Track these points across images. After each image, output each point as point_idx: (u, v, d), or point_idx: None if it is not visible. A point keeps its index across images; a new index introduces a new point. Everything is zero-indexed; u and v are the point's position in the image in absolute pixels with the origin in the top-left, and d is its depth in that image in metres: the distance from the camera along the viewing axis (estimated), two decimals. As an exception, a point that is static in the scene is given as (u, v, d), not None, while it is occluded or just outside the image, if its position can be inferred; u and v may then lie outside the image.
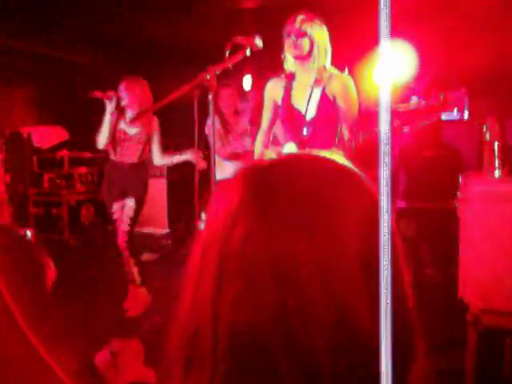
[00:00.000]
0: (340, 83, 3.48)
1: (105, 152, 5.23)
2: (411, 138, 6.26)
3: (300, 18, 3.42)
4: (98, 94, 4.89)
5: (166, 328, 0.78)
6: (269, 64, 6.28)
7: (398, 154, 6.20)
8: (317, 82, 3.49)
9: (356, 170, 0.78)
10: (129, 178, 5.09)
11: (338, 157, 0.80)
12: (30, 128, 7.80)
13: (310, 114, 3.52)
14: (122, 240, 4.99)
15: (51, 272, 1.71)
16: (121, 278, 5.17)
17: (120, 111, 5.07)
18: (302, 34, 3.40)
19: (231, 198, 0.76)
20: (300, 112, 3.54)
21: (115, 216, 5.10)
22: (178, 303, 0.77)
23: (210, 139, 5.43)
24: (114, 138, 5.08)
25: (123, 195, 5.08)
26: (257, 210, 0.72)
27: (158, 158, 5.25)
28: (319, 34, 3.44)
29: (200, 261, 0.75)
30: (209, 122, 5.30)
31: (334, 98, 3.48)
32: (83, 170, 8.49)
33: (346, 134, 3.38)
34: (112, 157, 5.15)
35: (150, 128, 5.13)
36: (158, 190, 7.36)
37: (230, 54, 3.17)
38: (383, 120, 0.60)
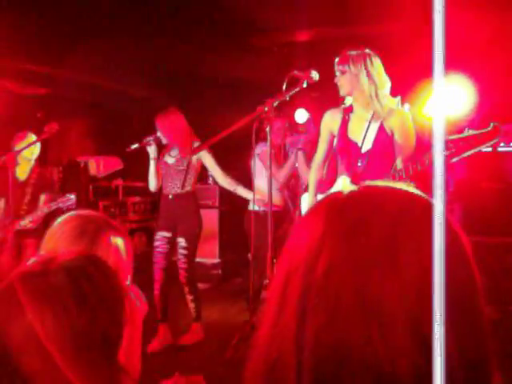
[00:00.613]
0: (399, 119, 3.46)
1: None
2: (468, 169, 6.16)
3: (341, 55, 3.44)
4: (136, 146, 4.97)
5: (245, 356, 0.79)
6: (322, 96, 6.32)
7: (453, 184, 6.10)
8: (375, 116, 3.48)
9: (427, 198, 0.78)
10: (175, 210, 5.05)
11: (415, 190, 0.80)
12: (87, 157, 8.02)
13: (366, 146, 3.50)
14: (181, 276, 5.02)
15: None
16: (171, 303, 5.20)
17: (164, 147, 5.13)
18: (342, 72, 3.43)
19: (314, 229, 0.76)
20: (356, 144, 3.53)
21: (156, 248, 5.09)
22: (258, 332, 0.78)
23: (262, 163, 5.44)
24: (161, 171, 5.14)
25: (172, 228, 5.04)
26: (340, 241, 0.73)
27: (220, 179, 5.17)
28: (371, 68, 3.41)
29: (282, 290, 0.75)
30: (257, 150, 5.32)
31: (392, 132, 3.46)
32: (136, 199, 8.65)
33: (399, 166, 3.35)
34: (163, 190, 5.18)
35: (192, 158, 5.06)
36: (210, 219, 7.41)
37: (287, 87, 3.23)
38: (437, 152, 0.60)
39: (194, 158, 5.06)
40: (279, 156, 5.71)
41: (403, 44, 5.50)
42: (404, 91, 5.36)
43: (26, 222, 5.17)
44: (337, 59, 3.45)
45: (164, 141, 5.05)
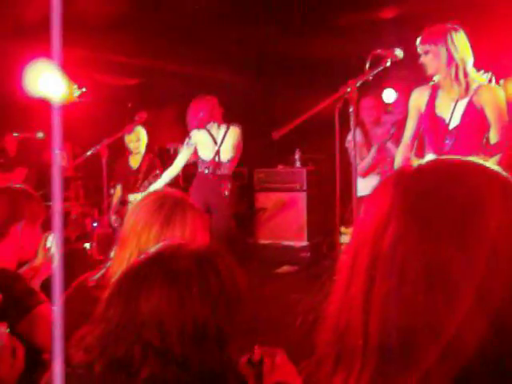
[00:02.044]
0: (489, 94, 3.35)
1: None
2: None
3: (422, 34, 3.33)
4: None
5: (316, 325, 0.81)
6: (411, 74, 6.15)
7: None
8: (462, 92, 3.38)
9: (508, 177, 0.77)
10: (212, 189, 5.22)
11: (489, 163, 0.78)
12: (176, 144, 8.21)
13: (454, 123, 3.40)
14: None
15: None
16: (260, 285, 5.27)
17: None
18: (425, 52, 3.31)
19: (382, 202, 0.78)
20: (444, 121, 3.44)
21: None
22: (328, 301, 0.80)
23: (351, 153, 5.41)
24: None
25: (206, 210, 5.14)
26: (407, 211, 0.74)
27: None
28: (453, 46, 3.30)
29: (351, 261, 0.78)
30: (349, 136, 5.25)
31: (482, 108, 3.34)
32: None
33: (492, 141, 3.23)
34: (199, 170, 5.41)
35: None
36: (298, 202, 7.42)
37: (370, 66, 3.16)
38: None
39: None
40: (374, 136, 5.59)
41: (499, 15, 5.25)
42: (500, 66, 5.12)
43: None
44: (418, 39, 3.35)
45: (204, 123, 5.22)
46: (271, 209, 7.47)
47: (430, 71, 3.39)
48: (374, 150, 5.35)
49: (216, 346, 1.18)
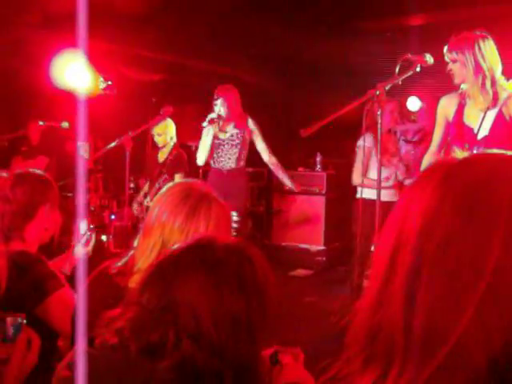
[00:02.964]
0: None
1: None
2: None
3: (449, 42, 3.28)
4: (204, 124, 5.05)
5: (348, 323, 0.79)
6: (436, 83, 6.10)
7: None
8: (492, 102, 3.34)
9: None
10: (227, 184, 5.02)
11: None
12: (197, 141, 8.23)
13: (483, 133, 3.36)
14: None
15: None
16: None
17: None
18: (453, 61, 3.27)
19: (429, 196, 0.74)
20: (472, 130, 3.40)
21: None
22: (362, 300, 0.78)
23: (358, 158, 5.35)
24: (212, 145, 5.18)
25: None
26: (460, 207, 0.70)
27: (266, 157, 5.23)
28: (480, 55, 3.26)
29: (390, 257, 0.74)
30: (360, 142, 5.19)
31: (511, 118, 3.30)
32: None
33: None
34: (212, 164, 5.24)
35: (244, 130, 5.12)
36: (316, 206, 7.40)
37: (399, 71, 3.14)
38: None
39: (247, 132, 5.12)
40: (388, 143, 5.55)
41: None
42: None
43: (149, 201, 5.48)
44: (446, 47, 3.31)
45: (225, 116, 5.09)
46: (292, 220, 7.46)
47: (457, 80, 3.36)
48: (402, 167, 5.31)
49: (247, 338, 1.20)
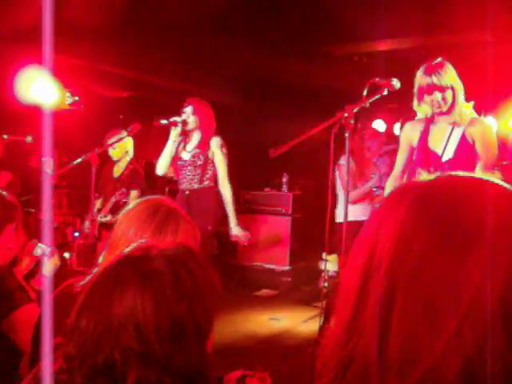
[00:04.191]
0: (480, 128, 3.41)
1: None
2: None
3: (437, 71, 3.32)
4: (166, 122, 4.80)
5: (314, 352, 0.77)
6: (400, 107, 6.21)
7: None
8: (456, 124, 3.42)
9: None
10: (190, 205, 4.78)
11: (501, 182, 0.76)
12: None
13: (447, 155, 3.44)
14: None
15: None
16: (238, 307, 5.22)
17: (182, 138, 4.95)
18: (444, 89, 3.32)
19: (397, 218, 0.72)
20: (437, 154, 3.48)
21: None
22: (332, 328, 0.75)
23: (340, 180, 5.38)
24: (177, 166, 4.97)
25: None
26: (432, 233, 0.69)
27: (219, 186, 4.92)
28: (456, 80, 3.37)
29: (361, 282, 0.72)
30: (341, 161, 5.26)
31: (473, 141, 3.39)
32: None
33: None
34: (179, 186, 5.03)
35: (206, 150, 4.86)
36: (282, 226, 7.42)
37: (367, 94, 3.20)
38: None
39: (210, 152, 4.86)
40: (365, 168, 5.61)
41: (488, 53, 5.33)
42: (490, 103, 5.19)
43: (102, 217, 5.39)
44: (434, 76, 3.33)
45: (191, 126, 4.86)
46: (257, 248, 7.45)
47: (446, 108, 3.37)
48: (375, 179, 5.40)
49: (195, 343, 1.17)
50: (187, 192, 4.89)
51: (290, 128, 5.13)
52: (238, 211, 7.77)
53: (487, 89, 5.13)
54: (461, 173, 0.78)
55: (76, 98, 6.66)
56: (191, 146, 4.93)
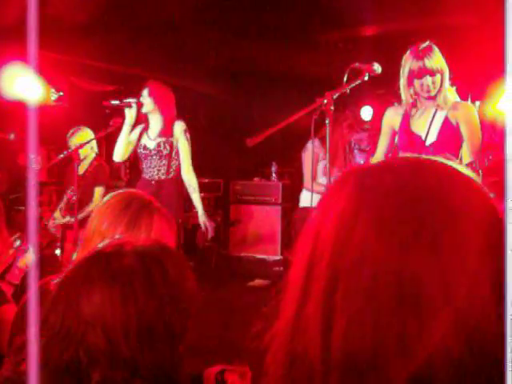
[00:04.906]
0: (464, 111, 3.41)
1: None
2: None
3: (428, 55, 3.30)
4: (117, 102, 4.60)
5: (267, 348, 0.74)
6: (388, 92, 6.21)
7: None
8: (440, 107, 3.42)
9: (477, 181, 0.70)
10: (156, 197, 4.52)
11: (457, 165, 0.72)
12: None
13: (431, 138, 3.44)
14: None
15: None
16: (231, 298, 5.23)
17: (144, 127, 4.74)
18: (434, 73, 3.30)
19: (341, 205, 0.68)
20: (420, 137, 3.47)
21: None
22: (278, 322, 0.72)
23: (303, 162, 5.26)
24: (138, 153, 4.75)
25: None
26: (375, 216, 0.66)
27: (183, 173, 4.70)
28: (444, 64, 3.36)
29: (305, 275, 0.69)
30: (308, 144, 5.20)
31: (458, 123, 3.39)
32: (200, 194, 8.73)
33: (467, 160, 3.27)
34: (142, 174, 4.78)
35: (172, 138, 4.64)
36: (272, 216, 7.42)
37: (347, 80, 3.17)
38: (509, 145, 0.56)
39: (174, 139, 4.64)
40: (341, 154, 5.61)
41: (475, 37, 5.33)
42: (476, 86, 5.19)
43: (58, 218, 5.31)
44: (426, 60, 3.30)
45: (146, 108, 4.62)
46: (248, 238, 7.45)
47: (434, 92, 3.35)
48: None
49: (166, 345, 1.13)
50: (153, 183, 4.66)
51: (277, 116, 5.11)
52: (228, 202, 7.82)
53: (474, 73, 5.15)
54: (408, 154, 0.75)
55: (61, 94, 6.61)
56: (154, 133, 4.71)
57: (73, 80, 6.98)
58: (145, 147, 4.71)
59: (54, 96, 6.41)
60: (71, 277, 1.18)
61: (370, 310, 0.63)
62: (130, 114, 4.58)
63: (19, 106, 5.18)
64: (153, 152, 4.67)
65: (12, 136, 6.18)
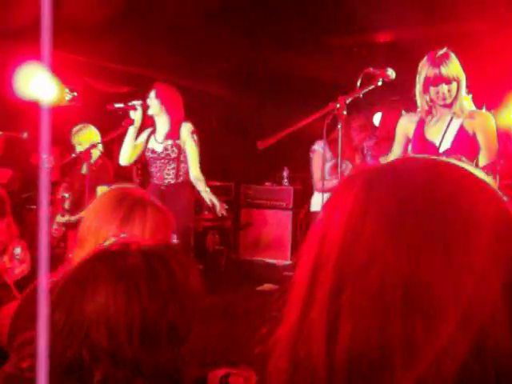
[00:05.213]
0: (481, 120, 3.38)
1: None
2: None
3: (445, 62, 3.27)
4: (121, 105, 4.49)
5: (269, 351, 0.73)
6: (401, 98, 6.18)
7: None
8: (456, 115, 3.39)
9: (492, 184, 0.68)
10: (166, 201, 4.44)
11: (470, 167, 0.70)
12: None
13: (445, 146, 3.41)
14: None
15: None
16: (240, 303, 5.22)
17: (151, 130, 4.66)
18: (451, 81, 3.28)
19: (346, 208, 0.67)
20: (434, 144, 3.44)
21: None
22: (282, 326, 0.71)
23: (313, 166, 5.24)
24: (146, 157, 4.65)
25: None
26: (384, 220, 0.64)
27: (191, 175, 4.56)
28: (461, 72, 3.33)
29: (310, 278, 0.67)
30: (315, 146, 5.16)
31: (474, 133, 3.36)
32: (211, 197, 8.74)
33: (482, 166, 3.24)
34: (151, 179, 4.68)
35: (179, 141, 4.54)
36: (283, 221, 7.41)
37: (361, 84, 3.16)
38: None
39: (182, 142, 4.52)
40: (352, 160, 5.60)
41: (491, 44, 5.30)
42: (492, 94, 5.15)
43: (60, 219, 5.31)
44: (443, 68, 3.27)
45: (153, 110, 4.55)
46: (259, 242, 7.45)
47: (450, 100, 3.33)
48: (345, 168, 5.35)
49: (169, 345, 1.13)
50: (162, 188, 4.55)
51: (290, 120, 5.10)
52: (239, 205, 7.81)
53: (489, 81, 5.11)
54: (420, 155, 0.72)
55: (75, 94, 6.64)
56: (161, 136, 4.61)
57: (87, 81, 7.01)
58: (153, 151, 4.62)
59: (68, 96, 6.44)
60: (76, 275, 1.18)
61: (377, 313, 0.61)
62: (135, 117, 4.49)
63: (32, 105, 5.21)
64: (161, 155, 4.57)
65: (25, 135, 6.21)
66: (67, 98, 6.52)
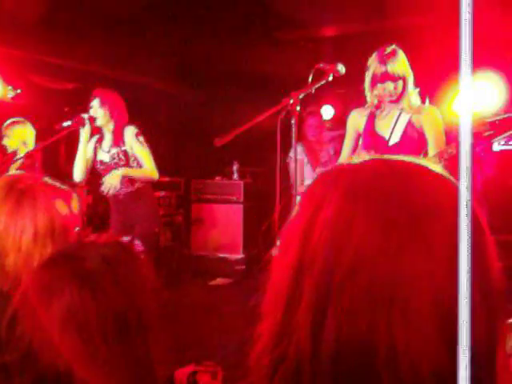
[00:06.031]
0: (428, 115, 3.46)
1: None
2: (495, 167, 6.07)
3: (391, 60, 3.33)
4: (69, 123, 4.18)
5: (250, 350, 0.73)
6: (350, 92, 6.28)
7: (480, 182, 6.02)
8: (404, 111, 3.47)
9: (452, 179, 0.71)
10: (129, 210, 4.35)
11: (432, 164, 0.73)
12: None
13: (394, 139, 3.49)
14: None
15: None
16: (193, 301, 5.21)
17: (98, 139, 4.43)
18: (397, 79, 3.35)
19: (331, 207, 0.67)
20: (383, 138, 3.52)
21: None
22: (262, 325, 0.72)
23: (291, 169, 5.39)
24: (97, 169, 4.41)
25: (130, 231, 4.25)
26: (371, 224, 0.65)
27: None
28: (408, 69, 3.40)
29: (294, 279, 0.68)
30: (291, 153, 5.25)
31: (421, 127, 3.45)
32: (162, 193, 8.68)
33: (431, 157, 3.33)
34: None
35: (125, 146, 4.31)
36: (234, 215, 7.42)
37: (312, 80, 3.19)
38: (463, 147, 0.57)
39: (128, 147, 4.29)
40: (317, 153, 5.67)
41: (431, 38, 5.42)
42: (433, 87, 5.28)
43: None
44: (389, 65, 3.32)
45: (101, 121, 4.29)
46: (209, 244, 7.43)
47: (394, 98, 3.40)
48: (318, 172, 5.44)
49: (139, 338, 1.15)
50: (121, 197, 4.35)
51: (240, 116, 5.10)
52: (189, 201, 7.78)
53: (430, 74, 5.22)
54: (396, 156, 0.74)
55: (18, 91, 6.48)
56: (107, 145, 4.37)
57: (31, 77, 6.85)
58: (101, 162, 4.40)
59: (11, 93, 6.28)
60: (36, 283, 1.17)
61: (365, 315, 0.63)
62: (84, 132, 4.24)
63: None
64: (110, 165, 4.32)
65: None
66: (9, 96, 6.36)
